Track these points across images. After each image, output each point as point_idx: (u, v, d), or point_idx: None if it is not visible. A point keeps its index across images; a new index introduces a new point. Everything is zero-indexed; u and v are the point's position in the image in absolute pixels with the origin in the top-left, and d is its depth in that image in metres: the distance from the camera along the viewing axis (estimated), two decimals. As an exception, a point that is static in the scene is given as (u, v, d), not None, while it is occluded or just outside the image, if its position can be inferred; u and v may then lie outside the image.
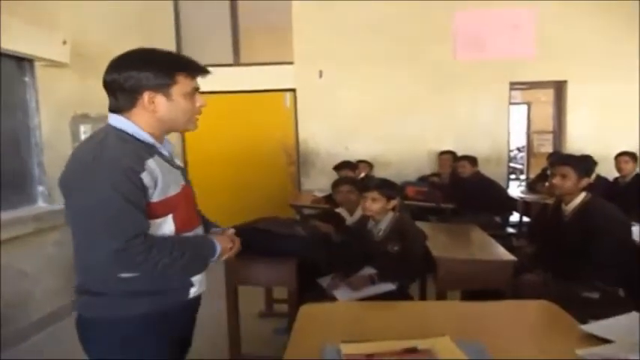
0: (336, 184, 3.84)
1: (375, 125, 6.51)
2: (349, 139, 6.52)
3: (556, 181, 2.91)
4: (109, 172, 1.36)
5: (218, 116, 5.81)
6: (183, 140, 6.38)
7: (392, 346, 1.56)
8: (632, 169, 5.10)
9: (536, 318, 1.99)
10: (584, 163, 2.94)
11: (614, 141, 5.82)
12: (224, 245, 1.66)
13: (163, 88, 1.49)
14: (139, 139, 1.49)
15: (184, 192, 1.58)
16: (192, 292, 1.60)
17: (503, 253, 3.03)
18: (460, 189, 5.30)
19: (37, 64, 3.99)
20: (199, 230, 1.66)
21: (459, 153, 5.89)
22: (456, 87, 6.46)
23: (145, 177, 1.42)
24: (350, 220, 3.65)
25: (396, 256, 2.96)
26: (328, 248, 3.43)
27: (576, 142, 6.40)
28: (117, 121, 1.50)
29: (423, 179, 6.09)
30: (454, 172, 5.61)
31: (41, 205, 4.15)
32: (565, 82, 6.52)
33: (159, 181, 1.46)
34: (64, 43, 4.04)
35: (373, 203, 3.03)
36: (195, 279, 1.60)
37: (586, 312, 2.63)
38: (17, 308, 3.65)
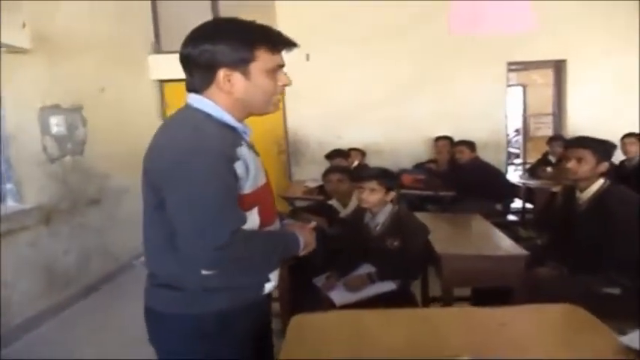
0: (326, 173, 3.56)
1: (367, 110, 6.27)
2: (341, 126, 6.28)
3: (571, 165, 2.63)
4: (211, 161, 1.25)
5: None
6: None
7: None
8: (637, 150, 4.87)
9: (563, 326, 1.73)
10: (604, 146, 2.66)
11: (619, 122, 5.56)
12: (306, 239, 1.54)
13: (241, 64, 1.34)
14: (226, 124, 1.37)
15: (268, 182, 1.49)
16: (268, 287, 1.51)
17: (512, 247, 2.77)
18: (459, 176, 5.05)
19: (-6, 50, 3.64)
20: (277, 225, 1.55)
21: (456, 138, 5.61)
22: (451, 68, 6.23)
23: (239, 166, 1.31)
24: (343, 212, 3.39)
25: (396, 252, 2.72)
26: (322, 244, 3.19)
27: (578, 124, 6.18)
28: (199, 102, 1.37)
29: (419, 166, 5.85)
30: (452, 158, 5.35)
31: (11, 204, 3.83)
32: (564, 61, 6.28)
33: (250, 170, 1.35)
34: (24, 26, 3.68)
35: (371, 194, 2.77)
36: (273, 274, 1.51)
37: (608, 309, 2.43)
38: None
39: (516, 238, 3.09)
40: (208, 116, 1.35)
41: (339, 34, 6.14)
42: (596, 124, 5.73)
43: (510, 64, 6.36)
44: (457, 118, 6.23)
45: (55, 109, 4.21)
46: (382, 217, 2.81)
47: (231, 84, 1.35)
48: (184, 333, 1.39)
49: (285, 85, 1.43)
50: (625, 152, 4.88)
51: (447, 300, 2.71)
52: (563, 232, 2.83)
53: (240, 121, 1.42)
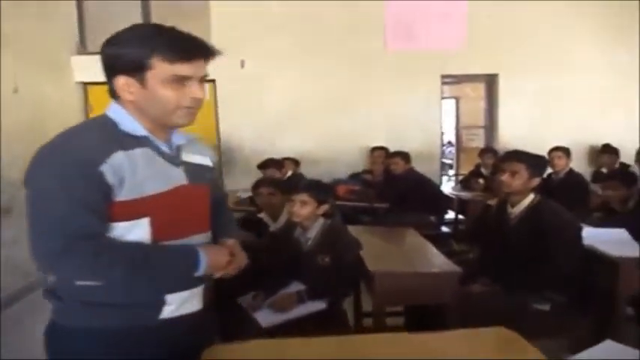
0: (255, 186, 3.38)
1: (302, 119, 6.17)
2: (275, 135, 6.13)
3: (505, 178, 2.62)
4: (61, 165, 1.22)
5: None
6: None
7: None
8: (565, 164, 5.01)
9: (495, 352, 1.64)
10: (537, 161, 2.67)
11: (547, 136, 5.72)
12: (215, 259, 1.41)
13: (137, 72, 1.28)
14: (121, 129, 1.32)
15: (176, 193, 1.36)
16: (168, 311, 1.37)
17: (446, 264, 2.70)
18: (394, 187, 5.02)
19: None
20: (197, 239, 1.42)
21: (391, 149, 5.61)
22: (387, 80, 6.24)
23: (107, 171, 1.23)
24: (274, 226, 3.23)
25: (327, 268, 2.58)
26: (248, 260, 3.02)
27: (508, 137, 6.33)
28: (111, 108, 1.36)
29: (354, 177, 5.80)
30: (387, 169, 5.31)
31: None
32: (496, 75, 6.42)
33: (127, 177, 1.26)
34: None
35: (302, 207, 2.64)
36: (173, 297, 1.37)
37: (538, 325, 2.42)
38: None
39: (449, 252, 3.05)
40: (106, 119, 1.34)
41: (276, 44, 6.01)
42: (526, 137, 5.91)
43: (444, 76, 6.43)
44: (392, 129, 6.22)
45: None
46: (313, 231, 2.69)
47: (130, 92, 1.30)
48: (68, 348, 1.35)
49: (195, 98, 1.33)
50: (552, 166, 4.98)
51: (378, 318, 2.61)
52: (495, 247, 2.81)
53: (154, 129, 1.36)
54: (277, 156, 5.33)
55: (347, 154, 6.21)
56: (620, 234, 2.92)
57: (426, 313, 2.81)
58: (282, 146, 6.00)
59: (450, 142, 10.45)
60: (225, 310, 2.62)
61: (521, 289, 2.53)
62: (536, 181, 2.63)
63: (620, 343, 1.67)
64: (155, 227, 1.32)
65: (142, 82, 1.29)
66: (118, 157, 1.25)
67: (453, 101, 10.01)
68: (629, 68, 6.25)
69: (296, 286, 2.59)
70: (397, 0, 6.15)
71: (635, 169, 5.29)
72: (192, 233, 1.42)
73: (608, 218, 3.54)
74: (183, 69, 1.29)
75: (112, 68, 1.30)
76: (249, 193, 4.69)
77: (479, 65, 6.34)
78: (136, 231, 1.30)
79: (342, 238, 2.70)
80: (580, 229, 2.68)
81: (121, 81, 1.29)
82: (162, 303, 1.36)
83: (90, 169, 1.22)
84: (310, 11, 6.01)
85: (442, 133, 6.66)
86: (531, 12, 6.15)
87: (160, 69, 1.28)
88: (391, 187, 5.06)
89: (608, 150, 5.70)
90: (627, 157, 5.70)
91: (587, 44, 6.27)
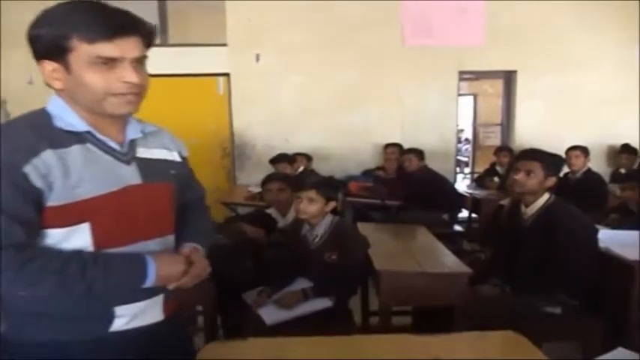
0: (265, 182, 3.35)
1: (316, 115, 6.13)
2: (288, 130, 6.10)
3: (520, 177, 2.54)
4: None
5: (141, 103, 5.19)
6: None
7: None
8: (583, 164, 4.89)
9: (502, 355, 1.59)
10: (553, 160, 2.60)
11: (565, 135, 5.61)
12: (167, 268, 1.25)
13: (59, 55, 1.14)
14: (55, 125, 1.18)
15: (124, 194, 1.23)
16: (119, 324, 1.25)
17: (456, 264, 2.65)
18: (407, 184, 4.96)
19: None
20: (152, 246, 1.28)
21: (406, 146, 5.55)
22: (403, 76, 6.18)
23: (31, 172, 1.09)
24: (282, 222, 3.20)
25: (334, 266, 2.55)
26: (256, 257, 3.00)
27: (525, 135, 6.25)
28: (50, 99, 1.23)
29: (367, 173, 5.75)
30: (401, 166, 5.26)
31: None
32: (515, 72, 6.34)
33: (57, 178, 1.12)
34: None
35: (309, 204, 2.60)
36: (123, 309, 1.25)
37: (549, 328, 2.36)
38: None
39: (460, 252, 3.00)
40: (43, 118, 1.19)
41: (291, 38, 5.98)
42: (543, 136, 5.81)
43: (462, 73, 6.35)
44: (407, 126, 6.18)
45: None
46: (321, 229, 2.65)
47: (56, 78, 1.17)
48: None
49: (127, 82, 1.17)
50: (569, 165, 4.88)
51: (384, 318, 2.57)
52: (507, 248, 2.75)
53: (94, 122, 1.22)
54: (290, 151, 5.31)
55: (360, 150, 6.17)
56: (637, 236, 2.83)
57: (434, 313, 2.77)
58: (295, 141, 5.97)
59: (467, 140, 10.35)
60: (230, 306, 2.62)
61: (532, 291, 2.46)
62: (552, 180, 2.55)
63: (633, 351, 1.62)
64: (97, 233, 1.19)
65: (67, 66, 1.16)
66: (46, 157, 1.13)
67: (470, 98, 9.93)
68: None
69: (302, 283, 2.57)
70: (414, -4, 6.09)
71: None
72: (145, 238, 1.28)
73: (625, 220, 3.45)
74: (107, 49, 1.14)
75: (36, 53, 1.17)
76: (260, 188, 4.70)
77: (497, 62, 6.25)
78: (75, 238, 1.18)
79: (350, 235, 2.67)
80: (595, 232, 2.60)
81: (47, 67, 1.16)
82: (111, 315, 1.25)
83: (12, 171, 1.10)
84: (326, 5, 5.96)
85: (458, 131, 6.56)
86: (550, 9, 6.04)
87: (81, 50, 1.14)
88: (404, 185, 5.00)
89: (628, 150, 5.58)
90: (648, 157, 5.56)
91: (607, 42, 6.15)
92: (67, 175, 1.14)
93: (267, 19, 5.96)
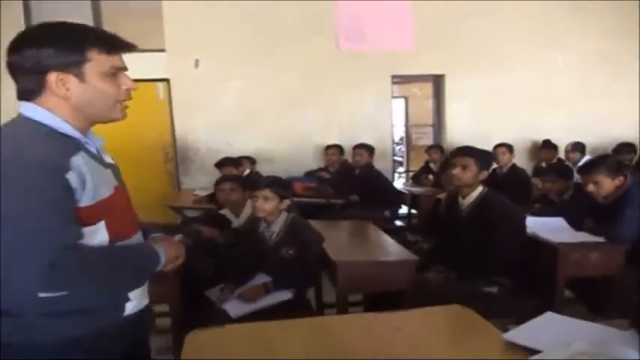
0: (218, 182, 3.47)
1: (258, 119, 6.22)
2: (231, 134, 6.16)
3: (456, 172, 2.81)
4: (32, 175, 1.14)
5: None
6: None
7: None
8: (508, 160, 5.33)
9: (453, 326, 1.82)
10: (485, 155, 2.88)
11: (492, 133, 6.04)
12: (170, 254, 1.42)
13: (73, 66, 1.24)
14: (59, 132, 1.25)
15: (117, 195, 1.36)
16: (130, 307, 1.37)
17: (403, 252, 2.88)
18: (350, 183, 5.17)
19: None
20: (137, 238, 1.44)
21: (345, 147, 5.82)
22: (339, 80, 6.36)
23: (72, 177, 1.19)
24: (236, 222, 3.31)
25: (292, 261, 2.72)
26: (214, 255, 3.10)
27: (455, 134, 6.60)
28: (31, 110, 1.26)
29: (310, 174, 5.89)
30: (343, 166, 5.47)
31: None
32: (443, 75, 6.68)
33: (87, 181, 1.23)
34: None
35: (265, 203, 2.74)
36: (133, 293, 1.37)
37: (489, 307, 2.61)
38: None
39: (405, 243, 3.22)
40: (39, 125, 1.25)
41: (229, 43, 6.04)
42: (472, 135, 6.18)
43: (394, 77, 6.64)
44: (346, 128, 6.38)
45: None
46: (277, 226, 2.80)
47: (66, 88, 1.25)
48: None
49: (130, 89, 1.35)
50: (497, 161, 5.28)
51: (342, 306, 2.74)
52: (447, 237, 3.00)
53: (84, 129, 1.32)
54: (233, 155, 5.38)
55: (302, 152, 6.31)
56: (559, 222, 3.17)
57: (383, 301, 2.97)
58: (238, 145, 6.03)
59: (400, 140, 10.71)
60: (194, 304, 2.70)
61: (472, 274, 2.72)
62: (485, 174, 2.83)
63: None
64: (110, 230, 1.31)
65: (80, 76, 1.26)
66: (77, 162, 1.23)
67: (402, 100, 10.27)
68: (568, 69, 6.67)
69: (262, 278, 2.70)
70: (346, 0, 6.30)
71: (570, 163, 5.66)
72: (134, 232, 1.42)
73: (547, 208, 3.79)
74: (118, 60, 1.31)
75: (37, 68, 1.23)
76: (206, 192, 4.76)
77: (426, 66, 6.55)
78: (97, 235, 1.28)
79: (305, 231, 2.82)
80: (524, 219, 2.91)
81: (54, 78, 1.24)
82: (125, 299, 1.36)
83: (57, 173, 1.18)
84: (263, 11, 6.06)
85: (393, 132, 6.86)
86: (475, 16, 6.41)
87: (99, 61, 1.27)
88: (349, 183, 5.20)
89: (548, 145, 6.04)
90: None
91: (529, 45, 6.57)
92: (90, 177, 1.24)
93: (205, 25, 5.99)
